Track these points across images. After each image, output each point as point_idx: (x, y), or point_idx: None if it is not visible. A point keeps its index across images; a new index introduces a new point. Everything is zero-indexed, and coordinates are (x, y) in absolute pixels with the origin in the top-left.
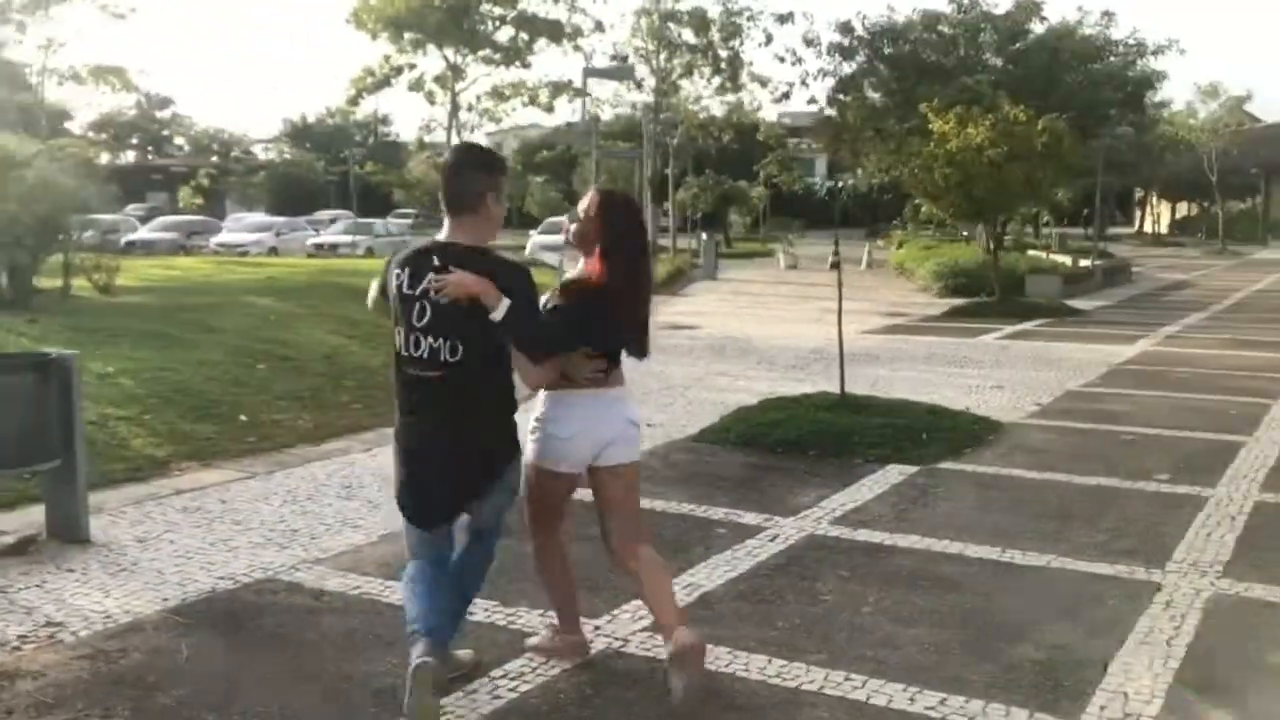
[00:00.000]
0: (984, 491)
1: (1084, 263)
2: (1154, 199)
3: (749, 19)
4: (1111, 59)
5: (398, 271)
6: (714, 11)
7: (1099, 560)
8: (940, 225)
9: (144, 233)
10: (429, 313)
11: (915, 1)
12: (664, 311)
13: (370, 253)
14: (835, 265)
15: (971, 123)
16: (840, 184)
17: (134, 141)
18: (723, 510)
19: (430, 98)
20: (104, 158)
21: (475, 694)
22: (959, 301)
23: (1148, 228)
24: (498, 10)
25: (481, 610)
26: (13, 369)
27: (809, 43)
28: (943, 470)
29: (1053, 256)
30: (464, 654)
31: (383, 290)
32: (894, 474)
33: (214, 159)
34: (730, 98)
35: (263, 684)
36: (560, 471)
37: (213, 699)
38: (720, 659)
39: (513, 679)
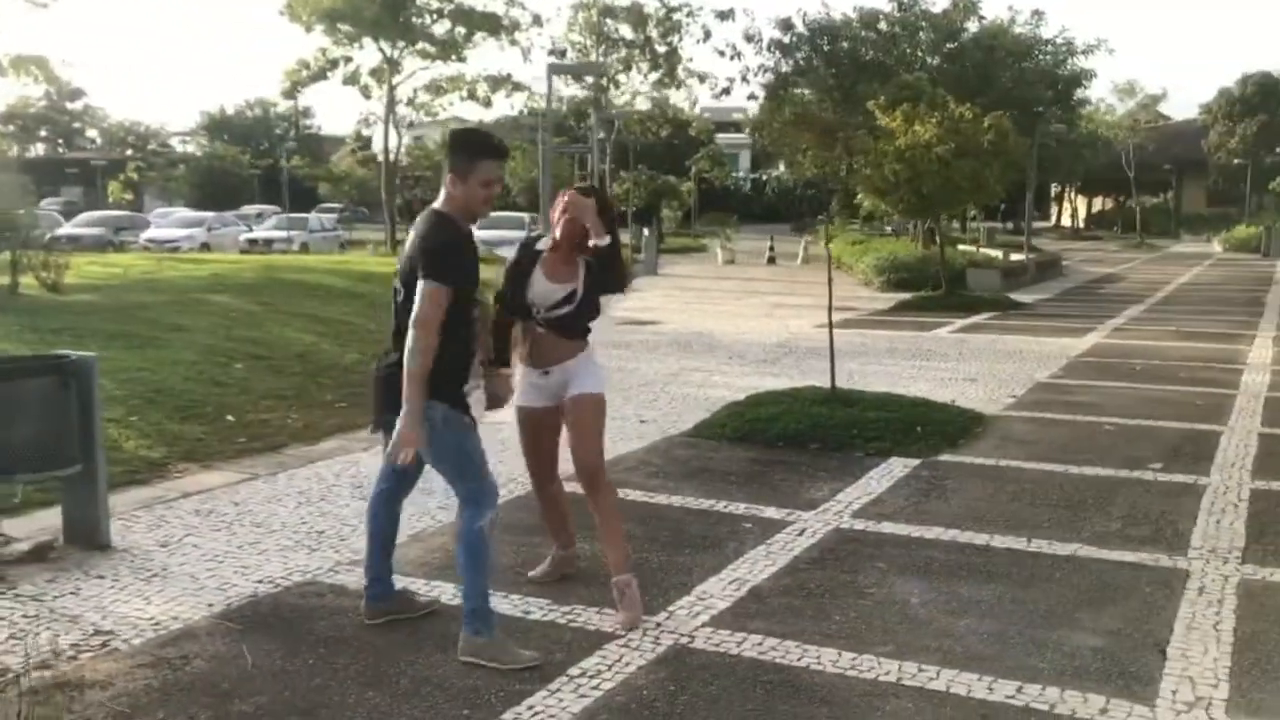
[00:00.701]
0: (989, 483)
1: (1015, 257)
2: (1071, 194)
3: (688, 14)
4: (1042, 57)
5: None
6: (651, 7)
7: (1122, 548)
8: (867, 220)
9: (69, 228)
10: (399, 259)
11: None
12: (617, 307)
13: (305, 249)
14: (772, 260)
15: (919, 120)
16: (765, 178)
17: (43, 134)
18: (742, 505)
19: (366, 91)
20: (13, 150)
21: (559, 693)
22: (905, 296)
23: (1065, 222)
24: (434, 3)
25: (538, 609)
26: (32, 372)
27: (750, 39)
28: (944, 463)
29: (984, 251)
30: (527, 655)
31: None
32: (898, 467)
33: (129, 152)
34: (663, 93)
35: (340, 689)
36: None
37: (294, 705)
38: (790, 653)
39: (591, 677)
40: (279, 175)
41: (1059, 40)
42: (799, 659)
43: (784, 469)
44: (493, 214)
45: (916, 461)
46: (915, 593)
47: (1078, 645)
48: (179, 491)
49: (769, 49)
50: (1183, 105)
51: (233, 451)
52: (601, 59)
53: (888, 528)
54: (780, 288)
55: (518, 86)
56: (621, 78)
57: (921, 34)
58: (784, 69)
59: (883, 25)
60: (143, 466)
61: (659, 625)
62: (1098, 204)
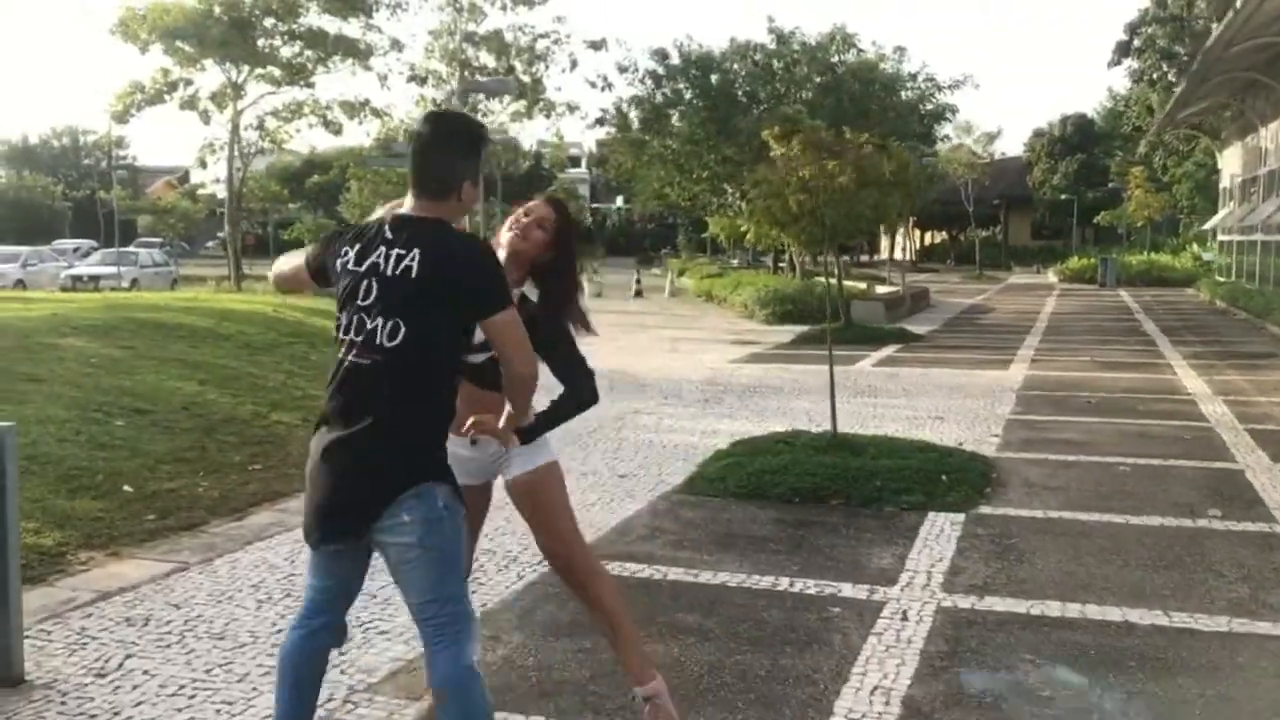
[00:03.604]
0: (1059, 540)
1: (880, 289)
2: (908, 227)
3: (555, 42)
4: (909, 92)
5: (345, 248)
6: (511, 35)
7: (1277, 620)
8: (718, 252)
9: None
10: (374, 289)
11: (732, 30)
12: None
13: (135, 285)
14: (639, 294)
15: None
16: (605, 213)
17: None
18: (811, 582)
19: (205, 117)
20: None
21: None
22: (796, 328)
23: (897, 255)
24: (284, 25)
25: None
26: None
27: (623, 69)
28: (990, 517)
29: (847, 283)
30: None
31: (310, 265)
32: (944, 524)
33: None
34: (520, 123)
35: None
36: None
37: None
38: None
39: None
40: (94, 207)
41: (922, 76)
42: None
43: (821, 531)
44: None
45: (960, 517)
46: (1100, 693)
47: None
48: (93, 590)
49: (642, 80)
50: (1005, 143)
51: (143, 533)
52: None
53: (996, 604)
54: (664, 321)
55: (376, 112)
56: (481, 106)
57: (799, 68)
58: (657, 100)
59: (758, 57)
60: (34, 558)
61: None
62: (928, 237)
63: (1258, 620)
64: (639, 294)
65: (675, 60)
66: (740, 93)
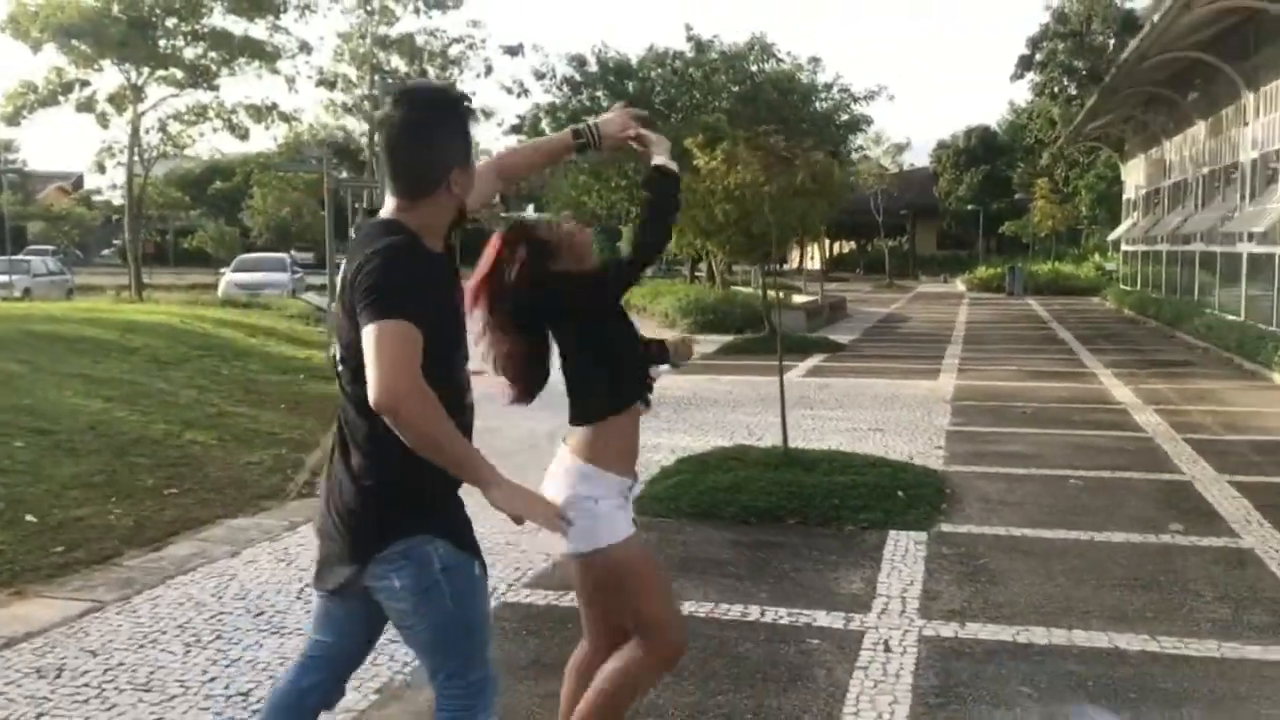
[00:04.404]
0: (1027, 559)
1: (797, 299)
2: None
3: (469, 47)
4: (824, 103)
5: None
6: (424, 39)
7: (1271, 643)
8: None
9: None
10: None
11: (650, 38)
12: None
13: (28, 294)
14: None
15: (741, 160)
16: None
17: None
18: (783, 610)
19: (103, 120)
20: None
21: None
22: (726, 338)
23: (806, 264)
24: (187, 25)
25: None
26: None
27: (540, 76)
28: (953, 535)
29: (758, 291)
30: None
31: None
32: (907, 543)
33: None
34: None
35: None
36: None
37: None
38: None
39: None
40: None
41: (837, 88)
42: None
43: (783, 553)
44: (252, 254)
45: (922, 535)
46: None
47: None
48: None
49: (559, 86)
50: (913, 155)
51: (51, 567)
52: (373, 91)
53: (979, 631)
54: None
55: (285, 117)
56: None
57: (718, 76)
58: (573, 106)
59: (677, 65)
60: None
61: None
62: (838, 247)
63: (1247, 644)
64: None
65: (593, 67)
66: (658, 100)
